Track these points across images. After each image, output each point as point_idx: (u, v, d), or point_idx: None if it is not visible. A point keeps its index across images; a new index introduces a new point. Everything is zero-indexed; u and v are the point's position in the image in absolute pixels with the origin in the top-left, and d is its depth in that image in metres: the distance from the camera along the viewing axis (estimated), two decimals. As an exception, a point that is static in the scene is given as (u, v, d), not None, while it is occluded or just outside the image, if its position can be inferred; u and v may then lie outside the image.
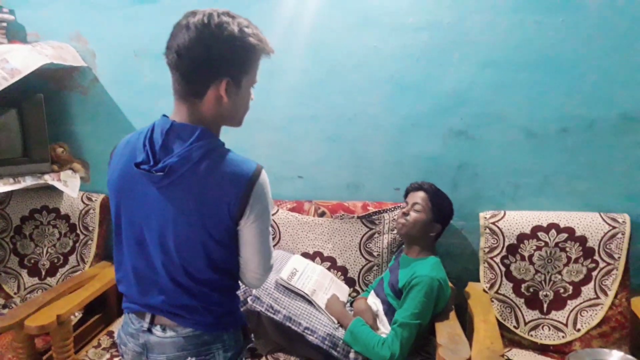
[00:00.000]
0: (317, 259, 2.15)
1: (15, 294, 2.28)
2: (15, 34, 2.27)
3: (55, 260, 2.33)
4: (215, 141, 1.08)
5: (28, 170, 2.16)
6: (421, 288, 1.67)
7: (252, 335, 1.31)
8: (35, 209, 2.36)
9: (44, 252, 2.34)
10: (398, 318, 1.68)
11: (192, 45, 1.00)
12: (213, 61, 1.02)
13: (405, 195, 1.96)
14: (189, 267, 1.09)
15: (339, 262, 2.14)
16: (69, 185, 2.24)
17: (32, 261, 2.34)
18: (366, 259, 2.11)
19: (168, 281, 1.10)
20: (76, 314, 2.09)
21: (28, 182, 2.13)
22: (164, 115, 1.11)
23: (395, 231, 2.04)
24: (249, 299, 1.76)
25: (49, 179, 2.19)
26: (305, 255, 2.14)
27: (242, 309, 1.79)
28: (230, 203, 1.03)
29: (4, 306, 2.19)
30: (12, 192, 2.32)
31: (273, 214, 2.15)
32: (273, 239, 2.17)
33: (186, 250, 1.08)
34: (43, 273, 2.32)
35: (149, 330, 1.14)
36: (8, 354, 1.83)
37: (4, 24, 2.17)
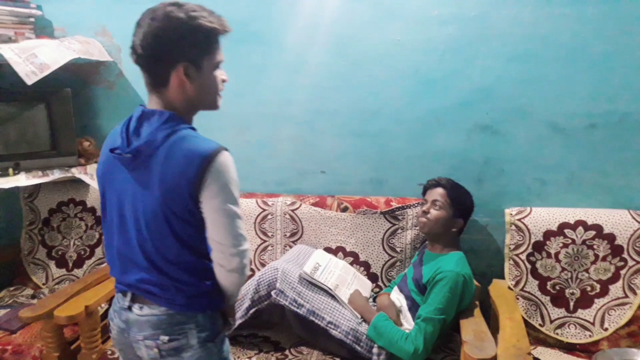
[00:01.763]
0: (340, 253, 2.15)
1: (43, 284, 2.33)
2: (42, 29, 2.31)
3: (82, 252, 2.37)
4: (181, 124, 1.14)
5: (56, 164, 2.21)
6: (446, 283, 1.67)
7: (232, 319, 1.33)
8: (63, 202, 2.40)
9: (71, 244, 2.39)
10: (422, 313, 1.67)
11: (144, 39, 1.09)
12: (164, 48, 1.10)
13: (424, 193, 1.94)
14: (160, 245, 1.14)
15: (362, 258, 2.13)
16: (95, 178, 2.27)
17: (60, 253, 2.38)
18: (389, 255, 2.10)
19: (143, 259, 1.16)
20: (103, 305, 2.12)
21: (56, 175, 2.17)
22: (140, 105, 1.18)
23: (418, 227, 2.03)
24: (272, 293, 1.77)
25: (76, 172, 2.22)
26: (327, 250, 2.14)
27: (265, 303, 1.81)
28: (188, 180, 1.08)
29: (33, 296, 2.24)
30: (40, 185, 2.36)
31: (295, 209, 2.15)
32: (295, 233, 2.18)
33: (154, 227, 1.12)
34: (70, 264, 2.36)
35: (129, 308, 1.20)
36: (37, 343, 1.87)
37: (32, 20, 2.19)
